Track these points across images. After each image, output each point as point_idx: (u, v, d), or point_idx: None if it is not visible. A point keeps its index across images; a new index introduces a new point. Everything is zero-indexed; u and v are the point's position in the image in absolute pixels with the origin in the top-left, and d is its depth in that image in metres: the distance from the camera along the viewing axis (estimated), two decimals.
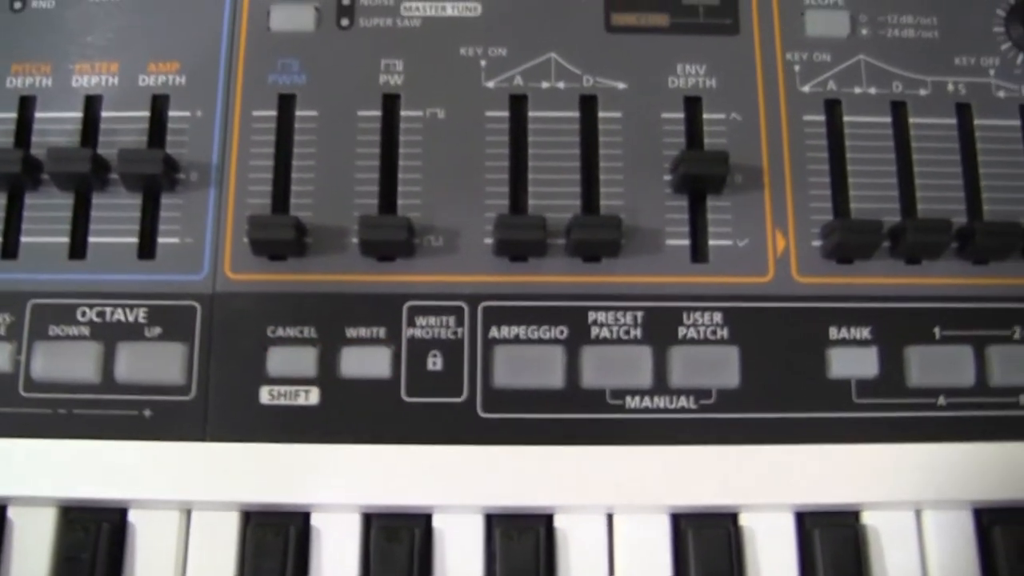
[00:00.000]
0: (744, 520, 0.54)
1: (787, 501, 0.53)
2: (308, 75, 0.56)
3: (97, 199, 0.55)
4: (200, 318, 0.53)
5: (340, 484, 0.52)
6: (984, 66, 0.58)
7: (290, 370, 0.53)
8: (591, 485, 0.52)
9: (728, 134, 0.56)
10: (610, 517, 0.54)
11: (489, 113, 0.56)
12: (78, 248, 0.54)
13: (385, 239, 0.52)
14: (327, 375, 0.53)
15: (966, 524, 0.54)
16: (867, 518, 0.54)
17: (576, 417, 0.53)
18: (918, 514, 0.55)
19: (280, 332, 0.53)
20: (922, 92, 0.58)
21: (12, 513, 0.52)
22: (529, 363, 0.53)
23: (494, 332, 0.53)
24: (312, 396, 0.52)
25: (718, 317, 0.54)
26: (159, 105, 0.56)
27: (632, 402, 0.53)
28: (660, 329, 0.54)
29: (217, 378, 0.53)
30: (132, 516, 0.53)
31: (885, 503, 0.54)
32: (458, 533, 0.53)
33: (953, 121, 0.57)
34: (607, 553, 0.53)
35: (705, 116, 0.57)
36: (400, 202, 0.55)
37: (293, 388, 0.53)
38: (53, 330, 0.53)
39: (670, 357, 0.54)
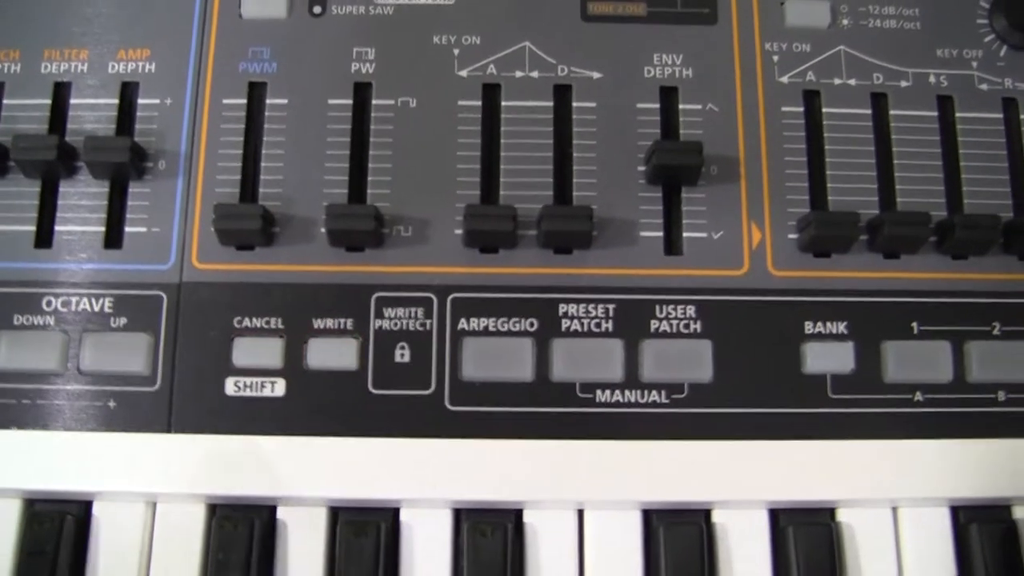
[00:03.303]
0: (717, 517, 0.53)
1: (760, 498, 0.53)
2: (279, 63, 0.56)
3: (64, 187, 0.54)
4: (166, 308, 0.53)
5: (306, 477, 0.51)
6: (967, 58, 0.57)
7: (256, 361, 0.52)
8: (560, 480, 0.52)
9: (704, 125, 0.56)
10: (580, 513, 0.53)
11: (462, 102, 0.55)
12: (44, 237, 0.54)
13: (352, 228, 0.52)
14: (293, 367, 0.52)
15: (942, 522, 0.54)
16: (842, 515, 0.54)
17: (545, 411, 0.52)
18: (894, 511, 0.54)
19: (247, 323, 0.53)
20: (903, 84, 0.57)
21: None
22: (498, 356, 0.53)
23: (463, 324, 0.53)
24: (278, 388, 0.52)
25: (691, 310, 0.53)
26: (128, 93, 0.55)
27: (603, 396, 0.52)
28: (632, 322, 0.53)
29: (183, 369, 0.52)
30: (96, 508, 0.52)
31: (860, 500, 0.53)
32: (426, 528, 0.53)
33: (934, 113, 0.57)
34: (577, 549, 0.53)
35: (681, 106, 0.56)
36: (370, 192, 0.54)
37: (259, 379, 0.52)
38: (18, 319, 0.53)
39: (642, 350, 0.53)
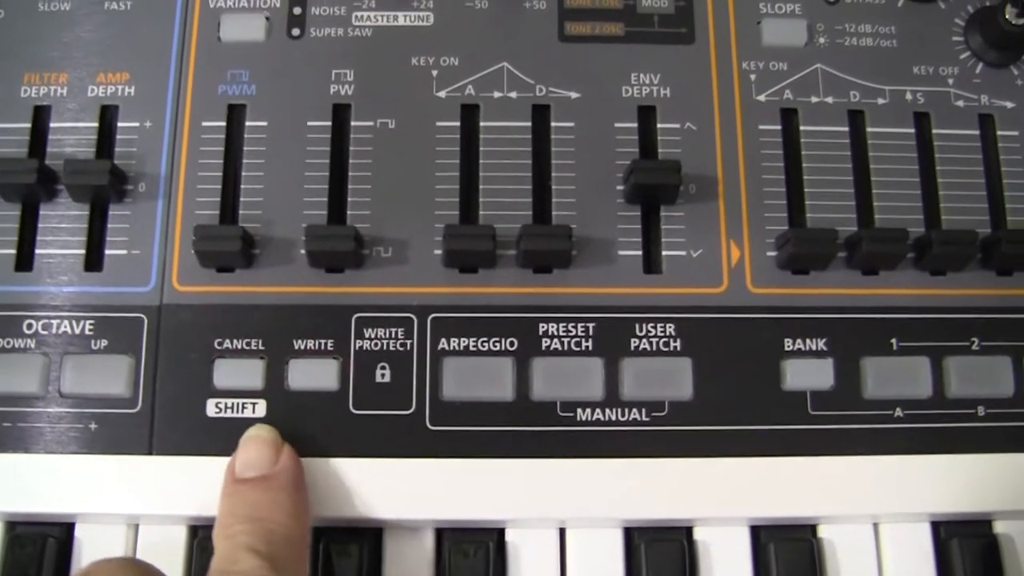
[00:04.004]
0: (698, 534, 0.54)
1: (742, 514, 0.53)
2: (258, 85, 0.56)
3: (44, 210, 0.54)
4: (147, 330, 0.53)
5: None
6: (943, 75, 0.58)
7: (237, 383, 0.52)
8: (542, 499, 0.52)
9: (682, 144, 0.56)
10: (562, 531, 0.53)
11: (440, 123, 0.55)
12: (24, 259, 0.54)
13: (332, 250, 0.52)
14: (274, 388, 0.52)
15: (923, 537, 0.54)
16: (823, 531, 0.54)
17: (526, 430, 0.52)
18: (875, 527, 0.54)
19: (227, 344, 0.53)
20: (880, 101, 0.57)
21: None
22: (479, 375, 0.53)
23: (443, 344, 0.53)
24: (259, 409, 0.52)
25: (671, 328, 0.54)
26: (108, 116, 0.55)
27: (583, 415, 0.52)
28: (612, 341, 0.53)
29: (163, 391, 0.52)
30: (79, 531, 0.52)
31: (841, 516, 0.54)
32: (407, 547, 0.53)
33: (911, 130, 0.57)
34: (559, 567, 0.53)
35: (659, 125, 0.56)
36: (350, 213, 0.54)
37: (240, 401, 0.52)
38: None
39: (622, 369, 0.53)
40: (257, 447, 0.50)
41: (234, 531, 0.46)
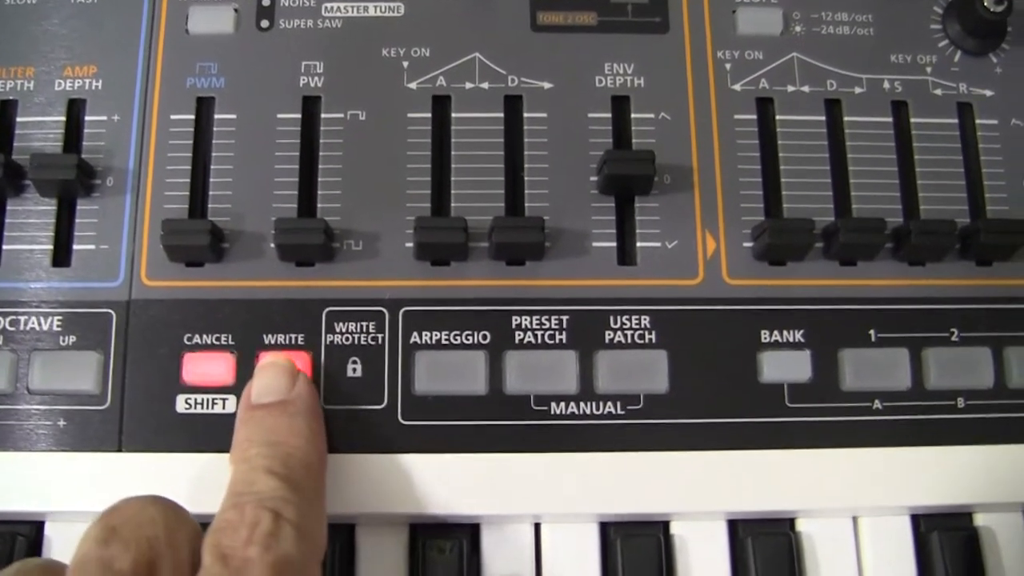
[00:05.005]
0: (675, 528, 0.53)
1: (719, 509, 0.52)
2: (227, 78, 0.55)
3: (11, 205, 0.54)
4: (116, 326, 0.52)
5: None
6: (921, 63, 0.57)
7: (207, 378, 0.52)
8: (516, 494, 0.51)
9: (657, 134, 0.55)
10: (537, 526, 0.53)
11: (411, 114, 0.55)
12: None
13: (301, 243, 0.51)
14: (245, 383, 0.51)
15: (903, 530, 0.54)
16: (802, 525, 0.53)
17: (500, 424, 0.52)
18: (854, 521, 0.54)
19: (197, 339, 0.52)
20: (857, 90, 0.57)
21: None
22: (451, 369, 0.52)
23: (415, 338, 0.52)
24: (229, 404, 0.51)
25: (646, 321, 0.53)
26: (76, 110, 0.55)
27: (557, 408, 0.52)
28: (586, 333, 0.53)
29: (132, 387, 0.52)
30: (49, 529, 0.52)
31: (820, 510, 0.53)
32: (381, 543, 0.52)
33: (889, 119, 0.56)
34: (534, 563, 0.52)
35: (633, 116, 0.55)
36: (320, 206, 0.54)
37: (210, 396, 0.52)
38: None
39: (596, 362, 0.52)
40: (273, 373, 0.50)
41: (251, 454, 0.46)
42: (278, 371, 0.50)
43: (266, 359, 0.51)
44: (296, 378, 0.50)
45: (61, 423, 0.51)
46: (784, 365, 0.53)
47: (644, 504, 0.52)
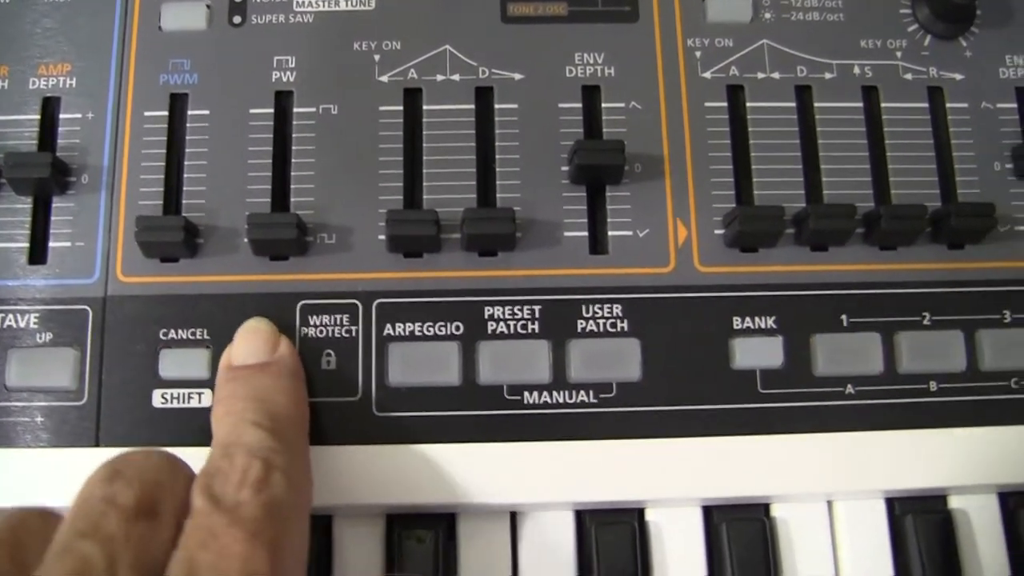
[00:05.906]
0: (650, 515, 0.54)
1: (693, 495, 0.53)
2: (200, 74, 0.55)
3: None
4: (92, 322, 0.52)
5: None
6: (891, 48, 0.57)
7: (183, 373, 0.52)
8: (491, 483, 0.52)
9: (628, 123, 0.55)
10: (513, 515, 0.53)
11: (383, 107, 0.55)
12: None
13: (275, 238, 0.52)
14: None
15: (878, 514, 0.54)
16: (776, 511, 0.54)
17: (474, 414, 0.52)
18: (829, 505, 0.54)
19: (172, 335, 0.52)
20: (827, 76, 0.57)
21: None
22: (425, 360, 0.52)
23: (389, 329, 0.53)
24: (205, 398, 0.52)
25: (618, 309, 0.53)
26: (50, 108, 0.55)
27: (530, 398, 0.52)
28: (558, 323, 0.53)
29: (109, 382, 0.52)
30: None
31: (794, 495, 0.53)
32: (358, 534, 0.53)
33: (859, 104, 0.57)
34: (510, 551, 0.53)
35: (604, 105, 0.56)
36: (293, 200, 0.54)
37: (186, 391, 0.52)
38: None
39: (569, 351, 0.53)
40: (255, 336, 0.51)
41: (237, 408, 0.47)
42: (260, 334, 0.51)
43: (248, 323, 0.52)
44: (279, 341, 0.51)
45: (39, 419, 0.52)
46: (756, 351, 0.53)
47: (618, 491, 0.52)
